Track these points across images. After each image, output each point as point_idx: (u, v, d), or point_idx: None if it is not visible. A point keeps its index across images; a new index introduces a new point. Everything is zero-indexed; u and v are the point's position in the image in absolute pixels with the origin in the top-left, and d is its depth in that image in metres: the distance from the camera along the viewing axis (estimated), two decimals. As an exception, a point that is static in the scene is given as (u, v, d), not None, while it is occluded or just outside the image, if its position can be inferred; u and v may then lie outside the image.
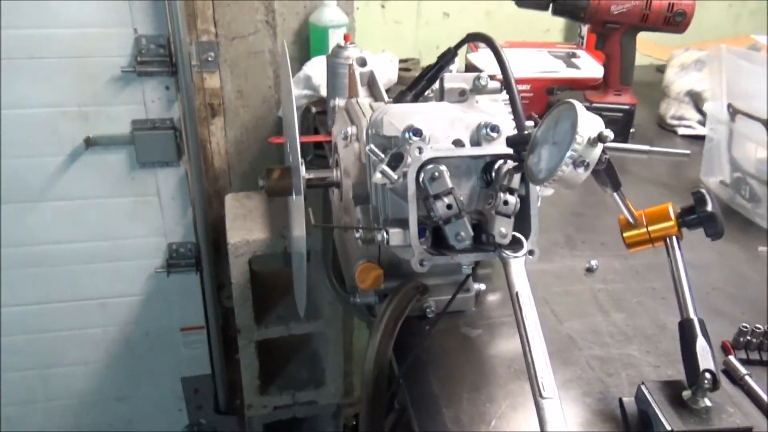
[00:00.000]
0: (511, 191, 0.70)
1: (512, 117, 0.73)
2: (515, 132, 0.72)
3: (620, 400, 0.69)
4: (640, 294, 0.90)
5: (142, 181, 1.77)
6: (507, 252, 0.69)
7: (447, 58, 0.87)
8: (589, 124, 0.56)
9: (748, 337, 0.78)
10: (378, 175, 0.69)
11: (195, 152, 1.69)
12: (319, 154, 1.38)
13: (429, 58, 1.43)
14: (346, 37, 1.24)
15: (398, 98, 0.88)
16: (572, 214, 1.12)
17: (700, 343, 0.64)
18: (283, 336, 1.63)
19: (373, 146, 0.72)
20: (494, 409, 0.70)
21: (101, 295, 1.90)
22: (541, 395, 0.57)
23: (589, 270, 0.95)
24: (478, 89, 0.79)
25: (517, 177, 0.70)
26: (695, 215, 0.71)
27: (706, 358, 0.63)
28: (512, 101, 0.73)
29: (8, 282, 1.82)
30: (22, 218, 1.74)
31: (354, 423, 1.89)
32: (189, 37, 1.61)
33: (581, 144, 0.55)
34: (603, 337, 0.82)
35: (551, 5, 1.23)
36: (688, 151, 1.26)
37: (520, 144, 0.66)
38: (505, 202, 0.69)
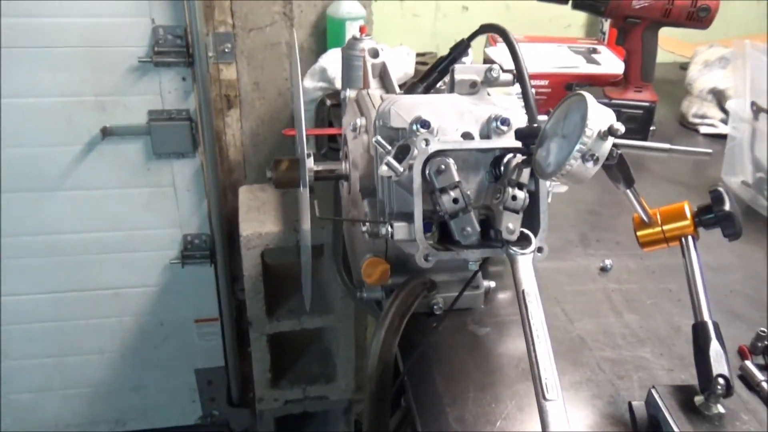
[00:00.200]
0: (520, 186, 0.67)
1: (524, 110, 0.71)
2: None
3: (630, 404, 0.67)
4: (655, 295, 0.87)
5: (158, 172, 1.77)
6: (514, 249, 0.67)
7: (460, 49, 0.86)
8: (600, 117, 0.54)
9: (766, 342, 0.76)
10: (384, 167, 0.67)
11: (210, 144, 1.69)
12: (334, 147, 1.38)
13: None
14: (361, 29, 1.23)
15: (409, 90, 0.87)
16: (588, 213, 1.10)
17: (714, 346, 0.62)
18: (294, 330, 1.63)
19: (380, 138, 0.70)
20: (500, 409, 0.68)
21: (116, 286, 1.91)
22: (544, 397, 0.55)
23: (603, 269, 0.93)
24: (489, 81, 0.77)
25: (526, 172, 0.68)
26: (712, 214, 0.69)
27: (719, 363, 0.61)
28: (524, 93, 0.71)
29: (24, 271, 1.83)
30: (38, 208, 1.75)
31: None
32: (206, 28, 1.61)
33: (591, 137, 0.53)
34: (615, 338, 0.79)
35: (571, -1, 1.21)
36: (709, 150, 1.22)
37: (529, 137, 0.64)
38: (514, 197, 0.67)
